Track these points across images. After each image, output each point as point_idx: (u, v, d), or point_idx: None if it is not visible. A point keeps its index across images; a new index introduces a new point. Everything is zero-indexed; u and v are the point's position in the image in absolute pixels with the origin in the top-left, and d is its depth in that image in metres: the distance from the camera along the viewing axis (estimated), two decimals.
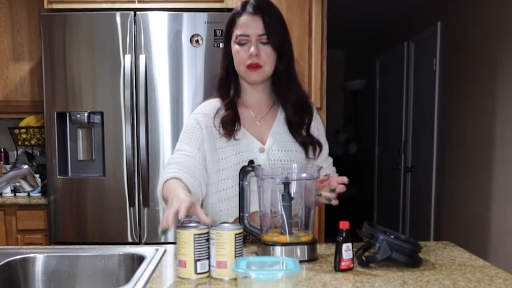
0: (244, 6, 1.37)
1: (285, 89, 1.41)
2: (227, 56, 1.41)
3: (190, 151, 1.38)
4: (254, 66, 1.35)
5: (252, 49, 1.33)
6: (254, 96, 1.45)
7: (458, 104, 3.42)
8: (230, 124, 1.38)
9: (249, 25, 1.34)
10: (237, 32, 1.35)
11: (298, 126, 1.43)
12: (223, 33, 1.44)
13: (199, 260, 1.10)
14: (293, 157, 1.40)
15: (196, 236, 1.11)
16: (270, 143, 1.41)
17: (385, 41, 5.14)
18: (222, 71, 1.45)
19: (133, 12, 2.41)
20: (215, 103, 1.45)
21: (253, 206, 1.33)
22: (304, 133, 1.44)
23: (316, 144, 1.45)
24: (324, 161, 1.49)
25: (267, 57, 1.35)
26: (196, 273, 1.10)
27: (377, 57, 5.37)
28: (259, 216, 1.29)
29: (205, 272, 1.12)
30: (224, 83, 1.44)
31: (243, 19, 1.35)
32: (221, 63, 1.46)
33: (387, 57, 5.03)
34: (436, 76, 3.75)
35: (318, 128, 1.50)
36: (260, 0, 1.37)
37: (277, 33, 1.35)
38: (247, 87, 1.44)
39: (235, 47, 1.37)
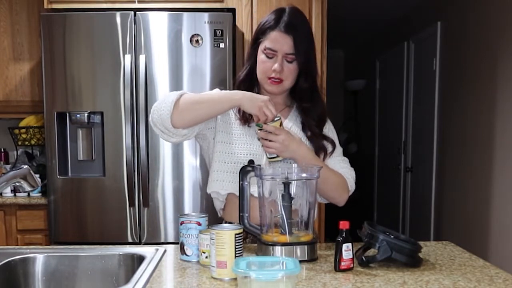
0: (277, 20, 1.39)
1: (308, 105, 1.46)
2: (251, 59, 1.46)
3: None
4: (275, 81, 1.41)
5: (276, 65, 1.38)
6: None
7: (458, 104, 3.42)
8: (247, 113, 1.43)
9: (279, 42, 1.38)
10: (266, 44, 1.40)
11: (312, 129, 1.47)
12: (252, 37, 1.47)
13: None
14: None
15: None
16: None
17: (385, 41, 5.14)
18: (243, 71, 1.49)
19: (133, 12, 2.41)
20: None
21: (253, 187, 1.34)
22: (316, 130, 1.47)
23: (330, 142, 1.47)
24: (338, 161, 1.50)
25: (289, 73, 1.41)
26: None
27: (377, 57, 5.37)
28: (258, 203, 1.30)
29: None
30: (244, 84, 1.48)
31: (274, 34, 1.38)
32: (244, 62, 1.52)
33: (387, 57, 5.03)
34: (436, 76, 3.75)
35: (330, 130, 1.53)
36: (294, 17, 1.40)
37: (304, 52, 1.40)
38: (263, 91, 1.48)
39: (261, 57, 1.42)
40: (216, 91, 1.49)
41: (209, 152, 1.49)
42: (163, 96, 1.40)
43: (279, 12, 1.41)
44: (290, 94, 1.50)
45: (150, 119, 1.40)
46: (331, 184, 1.41)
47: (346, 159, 1.52)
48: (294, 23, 1.39)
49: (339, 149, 1.51)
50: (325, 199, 1.48)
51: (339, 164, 1.47)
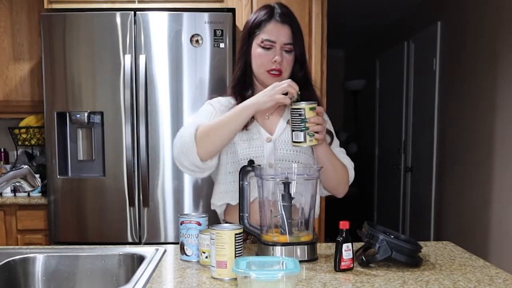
0: (271, 12, 1.41)
1: (304, 93, 1.43)
2: (245, 56, 1.45)
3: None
4: (275, 73, 1.40)
5: (277, 57, 1.39)
6: None
7: (458, 104, 3.42)
8: None
9: (277, 33, 1.39)
10: (263, 36, 1.40)
11: None
12: (244, 34, 1.46)
13: None
14: (300, 149, 1.42)
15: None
16: (277, 135, 1.44)
17: (385, 41, 5.14)
18: (237, 70, 1.48)
19: (133, 12, 2.41)
20: (229, 99, 1.49)
21: (253, 191, 1.34)
22: None
23: (328, 133, 1.46)
24: (338, 152, 1.50)
25: (287, 65, 1.42)
26: None
27: (377, 57, 5.37)
28: (258, 204, 1.30)
29: None
30: (239, 82, 1.47)
31: (272, 25, 1.39)
32: (237, 61, 1.50)
33: (387, 57, 5.03)
34: (436, 76, 3.75)
35: (327, 122, 1.52)
36: (285, 8, 1.43)
37: (300, 42, 1.42)
38: (261, 88, 1.46)
39: (257, 50, 1.41)
40: (208, 106, 1.47)
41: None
42: (178, 137, 1.37)
43: (269, 6, 1.43)
44: None
45: (178, 165, 1.39)
46: (339, 174, 1.42)
47: (343, 149, 1.53)
48: (288, 14, 1.42)
49: (336, 141, 1.52)
50: (327, 190, 1.48)
51: (340, 155, 1.48)
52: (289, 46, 1.40)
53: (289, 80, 1.29)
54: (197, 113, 1.51)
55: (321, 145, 1.34)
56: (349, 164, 1.49)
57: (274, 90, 1.28)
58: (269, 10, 1.41)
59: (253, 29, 1.42)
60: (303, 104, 1.25)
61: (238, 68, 1.48)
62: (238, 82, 1.47)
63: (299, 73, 1.45)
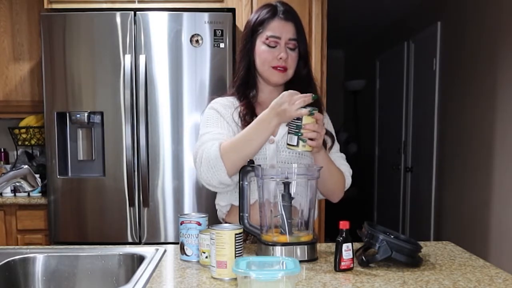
0: (274, 10, 1.41)
1: (305, 92, 1.43)
2: (249, 54, 1.44)
3: (220, 132, 1.40)
4: (281, 69, 1.40)
5: (283, 53, 1.39)
6: (268, 95, 1.47)
7: (458, 104, 3.42)
8: (248, 116, 1.41)
9: (282, 29, 1.39)
10: (268, 33, 1.39)
11: None
12: (246, 33, 1.46)
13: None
14: (300, 151, 1.40)
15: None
16: (279, 136, 1.43)
17: (385, 41, 5.14)
18: (241, 69, 1.47)
19: (133, 12, 2.41)
20: (231, 100, 1.48)
21: (253, 193, 1.34)
22: None
23: (329, 136, 1.46)
24: (337, 157, 1.50)
25: (292, 62, 1.42)
26: None
27: (377, 57, 5.37)
28: (258, 207, 1.30)
29: None
30: (244, 82, 1.46)
31: (276, 22, 1.40)
32: (239, 61, 1.49)
33: (387, 57, 5.03)
34: (436, 76, 3.75)
35: (328, 124, 1.53)
36: (287, 6, 1.43)
37: (304, 39, 1.43)
38: (264, 86, 1.48)
39: (262, 47, 1.41)
40: (212, 112, 1.45)
41: None
42: (200, 157, 1.36)
43: (271, 5, 1.43)
44: (287, 85, 1.47)
45: (204, 184, 1.37)
46: (335, 180, 1.42)
47: (343, 155, 1.53)
48: (291, 11, 1.43)
49: (337, 145, 1.51)
50: (322, 194, 1.47)
51: (339, 161, 1.47)
52: (293, 43, 1.40)
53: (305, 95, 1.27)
54: (203, 122, 1.47)
55: (319, 152, 1.33)
56: (347, 171, 1.48)
57: (293, 105, 1.24)
58: (272, 8, 1.41)
59: (256, 27, 1.42)
60: (302, 110, 1.25)
61: (242, 67, 1.46)
62: (242, 82, 1.46)
63: (303, 70, 1.45)
